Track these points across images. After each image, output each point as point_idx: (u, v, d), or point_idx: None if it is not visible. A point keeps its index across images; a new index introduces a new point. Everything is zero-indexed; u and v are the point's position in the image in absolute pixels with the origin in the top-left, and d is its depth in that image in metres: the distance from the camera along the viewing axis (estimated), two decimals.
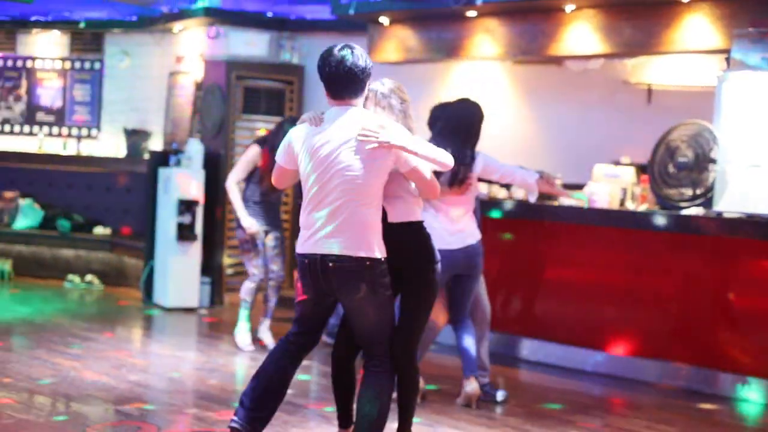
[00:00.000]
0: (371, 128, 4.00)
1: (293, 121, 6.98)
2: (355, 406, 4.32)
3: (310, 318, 4.31)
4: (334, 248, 4.06)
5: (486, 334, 6.05)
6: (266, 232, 7.21)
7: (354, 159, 4.04)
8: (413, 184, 4.27)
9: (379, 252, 4.09)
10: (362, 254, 4.05)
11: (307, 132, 4.16)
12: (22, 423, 5.03)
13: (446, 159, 4.16)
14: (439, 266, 4.34)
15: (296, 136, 4.20)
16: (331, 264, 4.06)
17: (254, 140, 7.48)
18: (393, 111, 4.32)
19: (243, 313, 7.24)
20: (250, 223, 7.09)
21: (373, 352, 4.22)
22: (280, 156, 4.30)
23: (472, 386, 5.63)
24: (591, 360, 6.87)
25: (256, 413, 4.22)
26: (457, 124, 5.72)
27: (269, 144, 7.03)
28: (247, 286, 7.25)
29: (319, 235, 4.10)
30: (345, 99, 4.13)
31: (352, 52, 4.11)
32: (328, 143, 4.08)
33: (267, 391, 4.25)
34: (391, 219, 4.24)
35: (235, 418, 4.23)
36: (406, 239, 4.25)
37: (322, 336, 4.52)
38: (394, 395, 4.32)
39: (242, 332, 7.24)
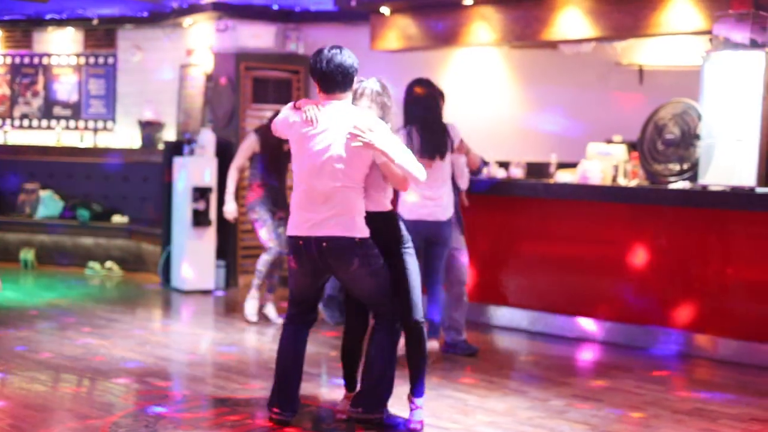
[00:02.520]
0: (362, 128, 4.47)
1: None
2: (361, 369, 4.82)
3: (304, 297, 4.81)
4: (327, 230, 4.54)
5: (461, 297, 6.59)
6: (272, 212, 7.67)
7: (343, 150, 4.53)
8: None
9: (366, 231, 4.61)
10: (352, 234, 4.55)
11: (301, 123, 4.61)
12: (59, 396, 5.47)
13: (419, 174, 4.60)
14: (409, 244, 4.81)
15: (291, 120, 4.67)
16: (325, 244, 4.53)
17: (253, 129, 7.98)
18: (384, 108, 4.79)
19: (254, 282, 7.72)
20: (230, 209, 7.74)
21: (379, 311, 4.73)
22: (277, 124, 4.77)
23: (431, 344, 6.11)
24: (586, 328, 7.24)
25: (287, 399, 4.74)
26: (428, 123, 6.18)
27: (264, 132, 7.61)
28: (263, 258, 7.70)
29: (312, 218, 4.58)
30: (335, 94, 4.63)
31: (341, 51, 4.62)
32: (320, 136, 4.57)
33: (288, 376, 4.77)
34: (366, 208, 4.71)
35: (276, 410, 4.75)
36: (377, 227, 4.70)
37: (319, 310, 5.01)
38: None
39: (249, 301, 7.73)
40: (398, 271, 4.74)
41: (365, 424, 4.75)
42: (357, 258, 4.57)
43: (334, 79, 4.59)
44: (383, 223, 4.75)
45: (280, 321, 7.40)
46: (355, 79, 4.69)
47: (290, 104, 4.79)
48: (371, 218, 4.69)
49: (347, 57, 4.60)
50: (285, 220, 7.65)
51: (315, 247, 4.57)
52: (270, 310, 7.75)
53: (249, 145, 7.76)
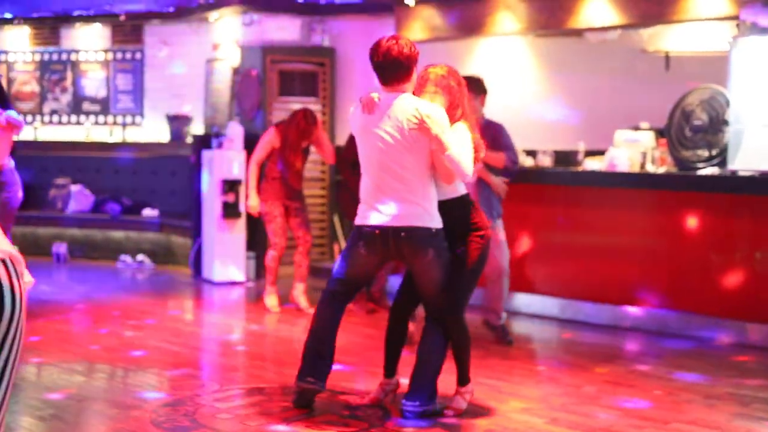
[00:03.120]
0: (419, 114, 4.48)
1: (305, 111, 7.70)
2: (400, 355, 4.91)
3: (358, 280, 4.89)
4: (404, 220, 4.59)
5: (500, 280, 6.60)
6: (285, 207, 7.75)
7: (405, 141, 4.55)
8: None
9: (439, 221, 4.65)
10: (429, 224, 4.61)
11: (362, 115, 4.65)
12: (97, 386, 5.57)
13: (465, 169, 4.58)
14: (483, 235, 4.81)
15: (353, 118, 4.76)
16: (403, 234, 4.59)
17: (274, 124, 8.08)
18: (452, 91, 4.77)
19: (268, 278, 7.91)
20: (253, 203, 7.82)
21: (436, 306, 4.77)
22: (349, 121, 4.88)
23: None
24: (617, 315, 7.26)
25: (317, 366, 4.79)
26: None
27: (283, 128, 7.70)
28: (270, 255, 7.90)
29: (385, 209, 4.62)
30: (393, 85, 4.63)
31: (397, 41, 4.60)
32: (382, 126, 4.59)
33: (322, 343, 4.82)
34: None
35: (310, 379, 4.79)
36: (449, 214, 4.73)
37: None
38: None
39: (269, 295, 7.89)
40: (458, 266, 4.75)
41: (421, 416, 4.77)
42: (432, 248, 4.62)
43: (391, 70, 4.60)
44: (458, 210, 4.77)
45: (311, 311, 7.48)
46: (417, 66, 4.68)
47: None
48: (444, 206, 4.72)
49: (404, 46, 4.58)
50: (299, 210, 7.82)
51: (392, 236, 4.63)
52: (300, 298, 7.82)
53: (269, 140, 7.84)
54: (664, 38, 8.65)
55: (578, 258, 7.50)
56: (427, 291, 4.77)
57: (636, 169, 7.43)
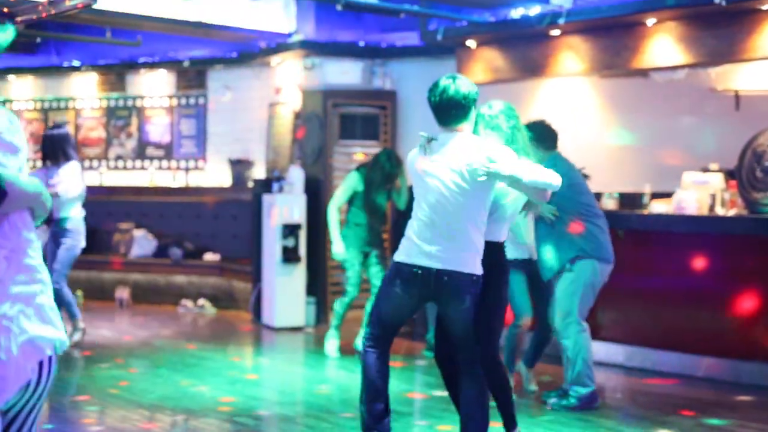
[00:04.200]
0: (483, 159, 4.36)
1: (387, 153, 7.54)
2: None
3: (395, 321, 4.69)
4: (448, 264, 4.43)
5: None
6: (365, 254, 7.60)
7: (462, 184, 4.41)
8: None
9: (481, 269, 4.50)
10: (470, 271, 4.45)
11: (420, 156, 4.54)
12: None
13: (553, 180, 4.46)
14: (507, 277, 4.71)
15: (411, 159, 4.66)
16: (446, 278, 4.44)
17: (356, 168, 7.90)
18: (501, 131, 4.67)
19: (333, 322, 7.77)
20: (340, 249, 7.57)
21: (471, 355, 4.57)
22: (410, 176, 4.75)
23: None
24: (685, 363, 6.98)
25: (379, 421, 4.64)
26: None
27: (367, 171, 7.52)
28: (342, 301, 7.75)
29: (432, 250, 4.46)
30: (451, 125, 4.51)
31: (455, 81, 4.49)
32: (438, 169, 4.47)
33: (375, 399, 4.65)
34: None
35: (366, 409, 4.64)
36: (488, 257, 4.57)
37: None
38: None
39: (329, 339, 7.78)
40: (489, 303, 4.61)
41: None
42: (470, 296, 4.47)
43: (448, 111, 4.49)
44: (495, 254, 4.65)
45: None
46: (476, 106, 4.58)
47: None
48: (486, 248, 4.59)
49: (461, 86, 4.48)
50: (380, 257, 7.65)
51: (434, 279, 4.49)
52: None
53: (351, 184, 7.64)
54: (734, 77, 8.42)
55: (644, 304, 7.24)
56: (458, 338, 4.60)
57: (704, 211, 7.18)
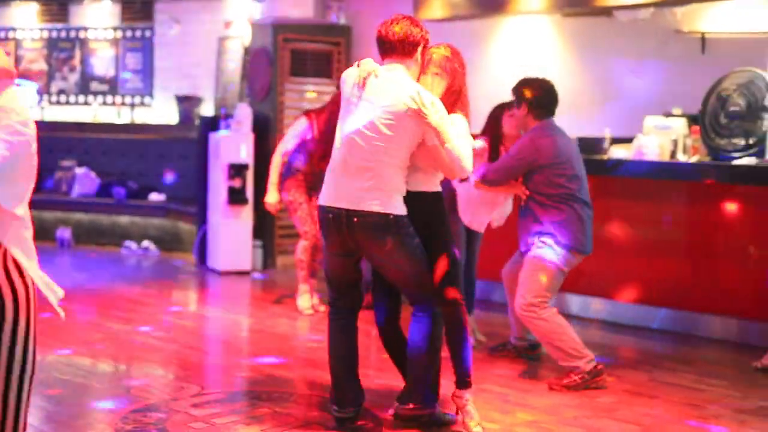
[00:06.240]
0: (420, 100, 4.05)
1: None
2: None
3: (339, 277, 4.35)
4: (360, 204, 4.08)
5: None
6: (309, 197, 7.17)
7: (389, 122, 4.11)
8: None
9: (403, 209, 4.17)
10: (387, 210, 4.11)
11: (354, 83, 4.18)
12: (81, 383, 5.14)
13: (464, 164, 4.14)
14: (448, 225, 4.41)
15: (345, 78, 4.31)
16: (356, 219, 4.09)
17: (302, 112, 7.42)
18: (455, 74, 4.34)
19: (300, 274, 7.21)
20: (272, 200, 7.05)
21: (416, 298, 4.30)
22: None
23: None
24: (642, 315, 6.77)
25: (344, 395, 4.36)
26: None
27: (317, 116, 7.05)
28: (301, 245, 7.22)
29: (345, 189, 4.13)
30: (392, 57, 4.24)
31: (405, 18, 4.25)
32: (367, 103, 4.16)
33: (344, 371, 4.38)
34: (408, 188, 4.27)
35: (335, 407, 4.39)
36: (423, 206, 4.27)
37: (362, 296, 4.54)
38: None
39: (301, 294, 7.22)
40: (437, 250, 4.30)
41: (416, 422, 4.35)
42: (390, 237, 4.13)
43: (391, 44, 4.21)
44: (431, 204, 4.33)
45: (322, 309, 7.04)
46: (423, 47, 4.27)
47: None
48: (419, 197, 4.27)
49: (410, 23, 4.23)
50: None
51: (345, 221, 4.16)
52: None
53: (301, 131, 7.12)
54: (700, 18, 8.11)
55: (602, 253, 6.98)
56: (398, 285, 4.32)
57: (666, 158, 6.90)
